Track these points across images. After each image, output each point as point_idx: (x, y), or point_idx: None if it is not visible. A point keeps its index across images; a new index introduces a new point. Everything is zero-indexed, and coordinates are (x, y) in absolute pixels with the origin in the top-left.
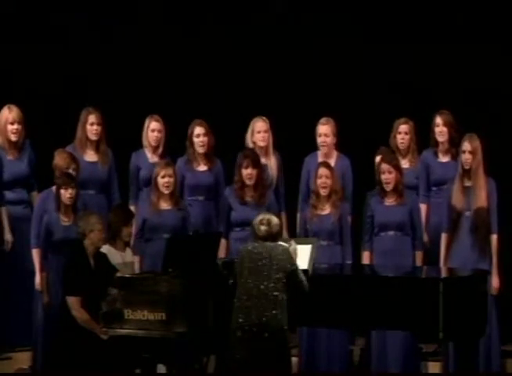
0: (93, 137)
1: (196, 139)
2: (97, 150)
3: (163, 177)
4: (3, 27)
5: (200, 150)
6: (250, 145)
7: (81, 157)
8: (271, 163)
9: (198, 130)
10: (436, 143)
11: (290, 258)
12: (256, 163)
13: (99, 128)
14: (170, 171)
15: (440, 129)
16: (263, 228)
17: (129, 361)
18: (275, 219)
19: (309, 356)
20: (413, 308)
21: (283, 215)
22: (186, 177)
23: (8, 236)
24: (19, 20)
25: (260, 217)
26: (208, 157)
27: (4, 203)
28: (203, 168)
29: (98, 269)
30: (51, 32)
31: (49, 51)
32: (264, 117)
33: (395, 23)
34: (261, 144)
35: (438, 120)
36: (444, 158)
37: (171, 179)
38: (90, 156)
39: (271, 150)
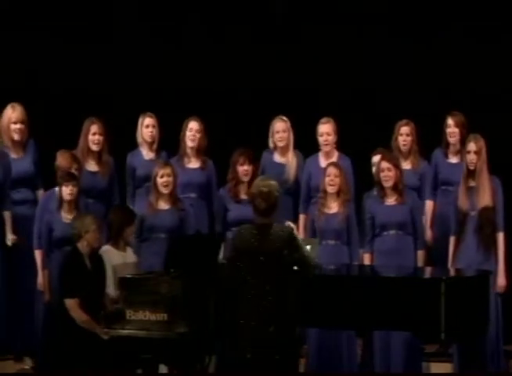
0: (95, 148)
1: (188, 133)
2: (99, 160)
3: (161, 177)
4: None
5: (191, 143)
6: (271, 145)
7: (82, 166)
8: (289, 163)
9: (192, 124)
10: (447, 144)
11: (287, 244)
12: (252, 160)
13: (101, 138)
14: (168, 170)
15: (451, 130)
16: (263, 203)
17: (131, 361)
18: (274, 186)
19: (317, 356)
20: (415, 308)
21: (301, 217)
22: (178, 175)
23: (10, 236)
24: (18, 21)
25: (259, 187)
26: (199, 155)
27: (8, 206)
28: (194, 165)
29: (94, 269)
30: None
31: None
32: (283, 117)
33: (395, 23)
34: (280, 144)
35: (450, 121)
36: (453, 159)
37: (170, 179)
38: (91, 166)
39: (291, 149)
